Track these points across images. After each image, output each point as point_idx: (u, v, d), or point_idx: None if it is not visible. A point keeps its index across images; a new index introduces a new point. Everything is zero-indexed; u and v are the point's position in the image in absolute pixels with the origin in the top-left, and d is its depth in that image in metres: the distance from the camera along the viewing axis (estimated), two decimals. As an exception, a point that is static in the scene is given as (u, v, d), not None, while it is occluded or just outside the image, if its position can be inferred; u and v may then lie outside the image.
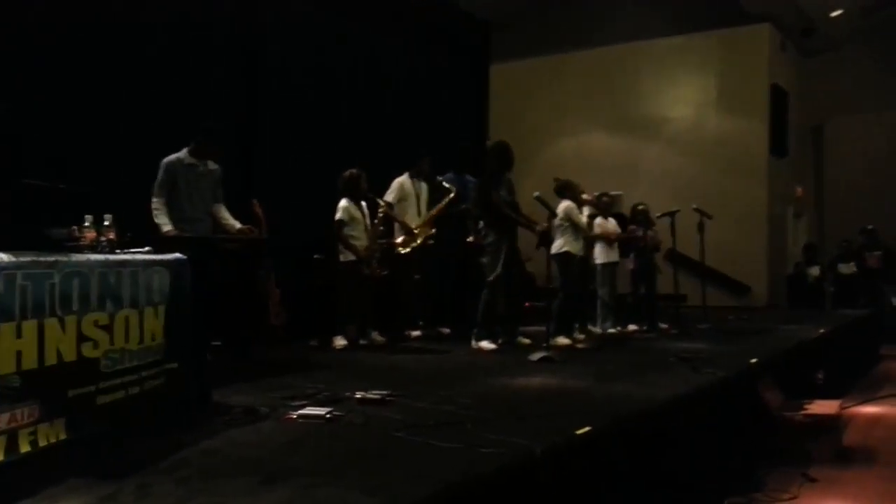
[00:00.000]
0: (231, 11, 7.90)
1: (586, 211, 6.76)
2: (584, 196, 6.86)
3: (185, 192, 5.14)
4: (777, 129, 11.64)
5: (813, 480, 4.19)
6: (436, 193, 7.03)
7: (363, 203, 6.19)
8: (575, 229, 6.44)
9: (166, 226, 4.98)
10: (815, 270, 11.69)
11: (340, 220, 6.02)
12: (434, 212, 6.79)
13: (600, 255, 7.33)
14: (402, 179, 6.86)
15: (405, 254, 6.59)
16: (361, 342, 6.10)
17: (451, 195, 6.76)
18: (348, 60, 9.44)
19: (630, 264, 7.82)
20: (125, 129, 6.57)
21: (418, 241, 6.60)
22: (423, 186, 7.02)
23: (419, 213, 6.82)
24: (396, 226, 6.84)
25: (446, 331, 6.97)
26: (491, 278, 5.91)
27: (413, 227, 6.66)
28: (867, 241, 11.36)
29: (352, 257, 6.02)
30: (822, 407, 4.93)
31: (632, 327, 7.61)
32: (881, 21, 11.91)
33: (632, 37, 11.95)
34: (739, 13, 11.13)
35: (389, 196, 6.75)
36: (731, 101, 11.56)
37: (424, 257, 6.82)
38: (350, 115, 9.32)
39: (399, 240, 6.69)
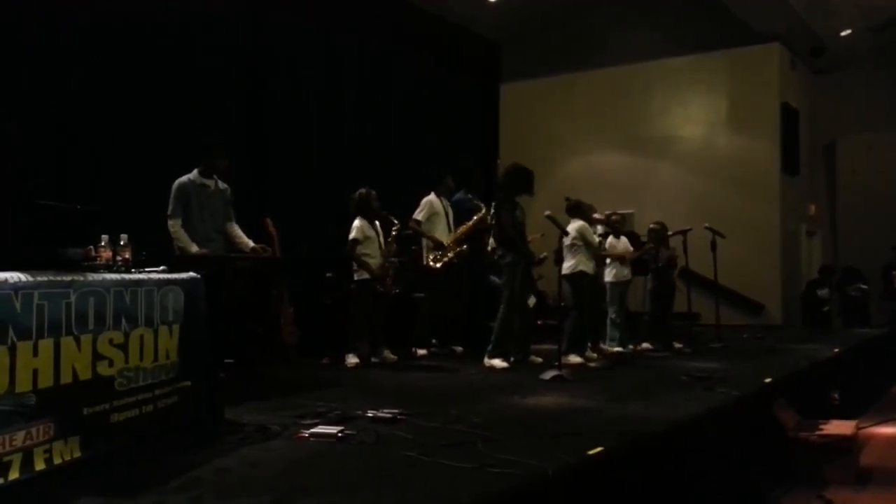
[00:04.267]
0: (240, 32, 8.01)
1: (599, 229, 6.75)
2: (596, 215, 6.86)
3: (198, 212, 5.20)
4: (788, 147, 11.60)
5: (829, 502, 4.14)
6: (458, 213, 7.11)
7: (376, 222, 6.24)
8: (588, 248, 6.43)
9: (193, 247, 5.03)
10: (825, 293, 11.61)
11: (355, 240, 6.05)
12: (465, 228, 6.91)
13: (610, 273, 7.31)
14: (431, 198, 6.98)
15: (435, 269, 6.68)
16: (373, 360, 6.10)
17: (482, 212, 6.82)
18: (359, 81, 9.53)
19: (648, 283, 7.79)
20: (138, 149, 6.66)
21: (450, 256, 6.70)
22: (448, 204, 7.10)
23: (450, 230, 6.93)
24: (424, 242, 6.92)
25: (459, 349, 6.97)
26: (508, 297, 5.92)
27: (445, 242, 6.78)
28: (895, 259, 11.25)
29: (366, 275, 6.04)
30: (838, 427, 4.88)
31: (646, 346, 7.58)
32: (891, 40, 11.89)
33: (642, 56, 11.98)
34: (749, 33, 11.14)
35: (419, 214, 6.87)
36: (741, 120, 11.55)
37: (441, 276, 6.86)
38: (361, 135, 9.40)
39: (431, 256, 6.76)
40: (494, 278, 6.90)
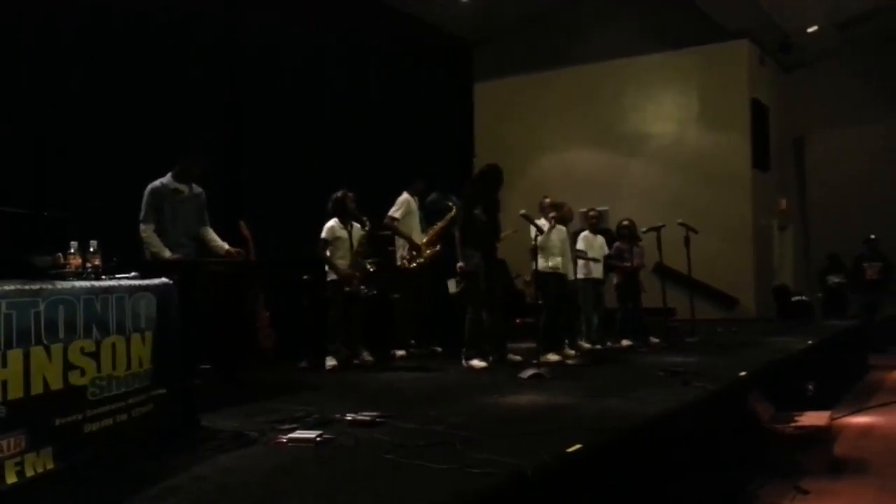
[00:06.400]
0: (214, 34, 7.93)
1: (542, 222, 6.55)
2: (551, 214, 6.69)
3: (170, 217, 5.12)
4: (759, 142, 11.77)
5: (805, 492, 4.19)
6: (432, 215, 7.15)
7: (353, 223, 6.21)
8: (543, 249, 6.37)
9: (165, 252, 4.96)
10: (836, 279, 11.74)
11: (324, 240, 6.06)
12: (437, 229, 6.92)
13: (581, 271, 7.34)
14: (407, 197, 7.01)
15: (412, 269, 6.71)
16: (354, 362, 6.08)
17: (452, 213, 6.83)
18: (333, 81, 9.49)
19: (614, 279, 7.86)
20: (109, 154, 6.56)
21: (425, 256, 6.73)
22: (418, 204, 7.14)
23: (421, 230, 6.99)
24: (398, 241, 6.93)
25: (438, 349, 6.97)
26: (472, 296, 5.93)
27: (419, 243, 6.83)
28: (868, 251, 11.41)
29: (335, 276, 6.03)
30: (813, 418, 4.95)
31: (624, 342, 7.63)
32: (857, 36, 12.11)
33: (613, 54, 12.08)
34: (718, 30, 11.28)
35: (396, 212, 6.88)
36: (712, 117, 11.69)
37: (416, 276, 6.87)
38: (336, 136, 9.35)
39: (406, 256, 6.78)
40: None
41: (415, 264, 6.77)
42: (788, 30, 11.67)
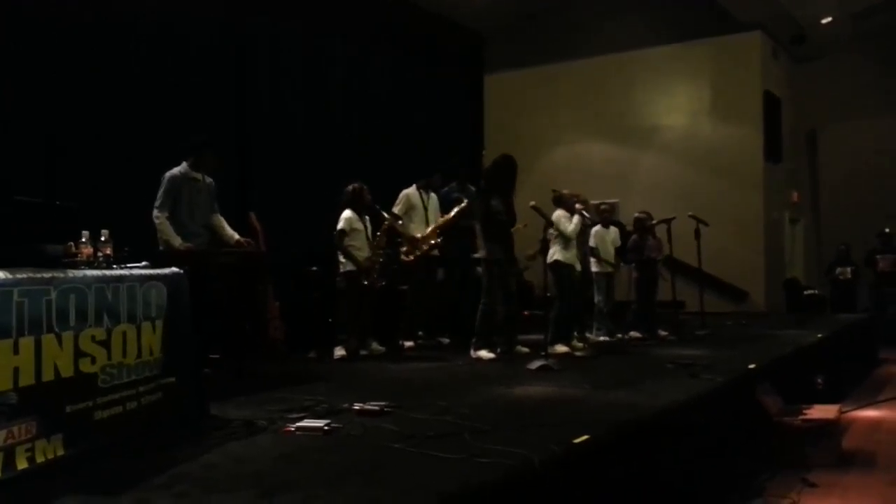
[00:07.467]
0: (223, 26, 7.94)
1: (576, 219, 6.64)
2: (577, 205, 6.78)
3: (186, 206, 5.18)
4: (771, 135, 11.68)
5: (813, 486, 4.19)
6: (446, 205, 7.14)
7: (366, 216, 6.23)
8: (561, 238, 6.40)
9: (177, 240, 5.00)
10: (846, 272, 11.64)
11: (342, 230, 6.06)
12: (441, 221, 6.91)
13: (596, 263, 7.33)
14: (409, 191, 7.01)
15: (409, 262, 6.70)
16: (362, 352, 6.10)
17: (462, 205, 6.82)
18: (343, 75, 9.49)
19: (632, 272, 7.83)
20: (120, 146, 6.60)
21: (424, 249, 6.71)
22: (433, 198, 7.14)
23: (427, 224, 6.95)
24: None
25: (445, 340, 6.99)
26: (486, 288, 5.93)
27: (418, 236, 6.79)
28: (882, 244, 11.32)
29: (351, 267, 6.04)
30: (822, 412, 4.94)
31: (634, 334, 7.62)
32: (872, 27, 11.98)
33: (625, 46, 12.01)
34: (731, 21, 11.19)
35: (396, 208, 6.87)
36: (724, 109, 11.61)
37: (426, 267, 6.87)
38: (346, 129, 9.36)
39: (403, 248, 6.78)
40: (479, 269, 6.91)
41: (412, 257, 6.76)
42: (802, 21, 11.56)
